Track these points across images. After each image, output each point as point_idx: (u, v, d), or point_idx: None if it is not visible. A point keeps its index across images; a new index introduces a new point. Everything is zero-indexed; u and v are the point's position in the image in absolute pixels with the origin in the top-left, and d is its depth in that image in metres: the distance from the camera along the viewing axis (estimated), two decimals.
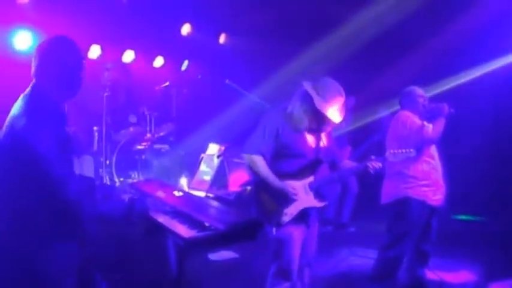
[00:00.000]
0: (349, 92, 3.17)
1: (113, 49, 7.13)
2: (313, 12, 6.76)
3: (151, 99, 7.25)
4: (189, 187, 3.98)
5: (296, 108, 3.03)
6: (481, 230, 5.91)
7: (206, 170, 3.92)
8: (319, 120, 3.03)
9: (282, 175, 3.01)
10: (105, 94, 6.29)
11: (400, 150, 3.14)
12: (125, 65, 7.42)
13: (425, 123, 3.73)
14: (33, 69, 2.26)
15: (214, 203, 3.21)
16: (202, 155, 4.11)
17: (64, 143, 2.17)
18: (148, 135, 6.69)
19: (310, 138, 3.10)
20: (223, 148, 4.06)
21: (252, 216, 2.97)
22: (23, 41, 5.87)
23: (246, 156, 3.04)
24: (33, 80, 2.26)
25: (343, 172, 3.27)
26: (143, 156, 6.52)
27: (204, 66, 7.89)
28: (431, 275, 4.12)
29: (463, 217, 6.59)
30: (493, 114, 6.61)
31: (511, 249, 4.81)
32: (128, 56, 7.39)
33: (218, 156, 3.94)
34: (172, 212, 2.94)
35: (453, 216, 6.41)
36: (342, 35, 6.78)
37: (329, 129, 3.16)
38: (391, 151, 3.15)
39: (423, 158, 3.80)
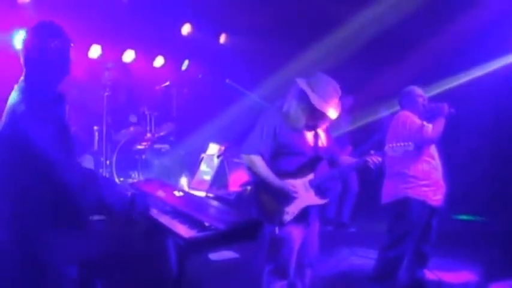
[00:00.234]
0: (349, 91, 3.18)
1: (113, 49, 7.15)
2: (313, 12, 6.76)
3: (151, 98, 7.25)
4: (189, 187, 3.97)
5: (293, 107, 3.02)
6: (481, 230, 5.91)
7: (206, 170, 3.92)
8: (316, 117, 3.03)
9: (282, 174, 3.00)
10: (106, 94, 6.30)
11: (398, 144, 3.13)
12: (125, 64, 7.43)
13: (425, 123, 3.73)
14: (21, 59, 2.30)
15: (215, 203, 3.21)
16: (203, 154, 4.10)
17: (64, 127, 2.22)
18: (149, 135, 6.68)
19: (308, 136, 3.09)
20: (223, 148, 4.05)
21: (252, 216, 2.97)
22: None
23: (244, 156, 3.03)
24: (24, 69, 2.30)
25: (343, 168, 3.24)
26: (143, 156, 6.51)
27: (205, 66, 7.89)
28: (430, 275, 4.12)
29: (464, 217, 6.59)
30: (493, 114, 6.59)
31: (511, 249, 4.81)
32: (128, 55, 7.40)
33: (218, 156, 3.94)
34: (172, 211, 2.94)
35: (453, 216, 6.41)
36: (342, 35, 6.77)
37: (326, 124, 3.15)
38: (390, 145, 3.15)
39: (423, 158, 3.81)
